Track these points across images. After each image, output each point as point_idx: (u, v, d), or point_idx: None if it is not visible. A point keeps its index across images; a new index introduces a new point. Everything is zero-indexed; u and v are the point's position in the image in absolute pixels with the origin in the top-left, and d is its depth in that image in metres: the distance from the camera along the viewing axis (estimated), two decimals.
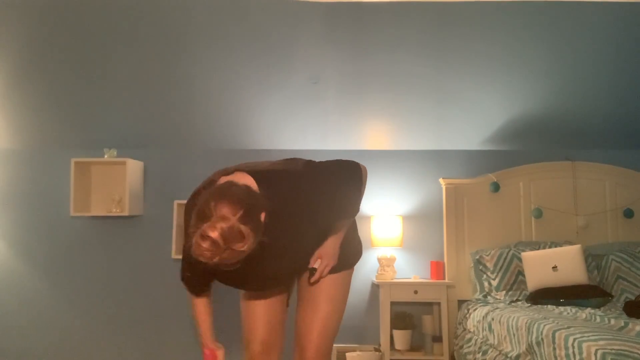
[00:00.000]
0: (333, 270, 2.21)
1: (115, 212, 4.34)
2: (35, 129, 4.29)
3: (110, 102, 3.99)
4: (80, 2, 3.07)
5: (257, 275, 2.04)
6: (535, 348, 2.87)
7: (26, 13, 3.13)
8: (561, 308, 3.51)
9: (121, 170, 4.38)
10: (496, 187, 4.38)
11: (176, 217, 4.27)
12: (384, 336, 4.17)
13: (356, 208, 2.12)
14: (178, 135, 4.31)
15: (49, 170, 4.52)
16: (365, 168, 2.14)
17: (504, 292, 4.05)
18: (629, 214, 4.36)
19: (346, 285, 2.30)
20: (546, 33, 3.33)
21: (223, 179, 1.90)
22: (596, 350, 2.35)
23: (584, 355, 2.41)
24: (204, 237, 1.64)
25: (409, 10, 3.11)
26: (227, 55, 3.47)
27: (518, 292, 4.02)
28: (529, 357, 2.97)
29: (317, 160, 2.14)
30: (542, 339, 2.82)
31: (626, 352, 2.30)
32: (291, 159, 2.13)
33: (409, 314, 4.28)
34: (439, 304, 4.31)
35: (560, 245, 4.13)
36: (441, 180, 4.44)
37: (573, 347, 2.51)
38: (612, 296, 3.73)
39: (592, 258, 4.10)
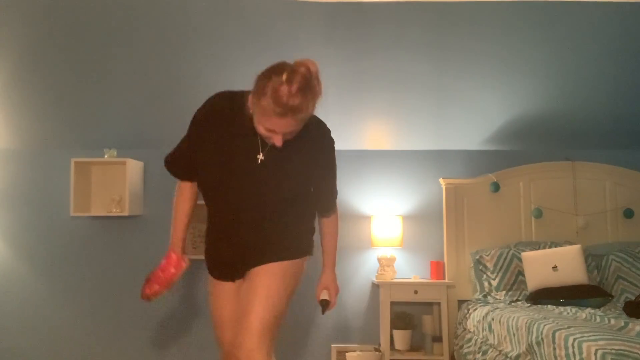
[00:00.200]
0: (272, 260, 2.13)
1: (115, 212, 4.34)
2: (35, 129, 4.29)
3: (110, 102, 3.99)
4: (80, 2, 3.07)
5: (239, 193, 2.07)
6: (535, 348, 2.87)
7: (26, 13, 3.13)
8: (561, 308, 3.51)
9: (121, 170, 4.38)
10: (496, 187, 4.38)
11: None
12: (384, 336, 4.17)
13: (335, 207, 2.32)
14: (178, 136, 4.30)
15: (49, 170, 4.51)
16: None
17: (504, 292, 4.05)
18: (629, 214, 4.36)
19: (292, 274, 2.17)
20: (546, 33, 3.33)
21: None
22: (596, 350, 2.35)
23: (584, 355, 2.41)
24: (296, 71, 1.83)
25: (409, 10, 3.11)
26: (228, 55, 3.47)
27: (518, 292, 4.02)
28: (529, 357, 2.97)
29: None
30: (542, 339, 2.82)
31: (626, 352, 2.30)
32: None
33: (409, 314, 4.28)
34: (439, 304, 4.31)
35: (560, 245, 4.13)
36: (441, 180, 4.44)
37: (573, 347, 2.51)
38: (612, 296, 3.73)
39: (592, 258, 4.10)
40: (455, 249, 4.38)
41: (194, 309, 4.39)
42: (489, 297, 4.09)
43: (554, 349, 2.67)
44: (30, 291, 4.44)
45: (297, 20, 3.16)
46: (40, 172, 4.52)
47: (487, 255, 4.19)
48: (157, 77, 3.72)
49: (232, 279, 2.24)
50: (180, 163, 2.23)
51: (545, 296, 3.78)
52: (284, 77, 1.83)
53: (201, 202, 2.29)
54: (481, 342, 3.70)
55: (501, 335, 3.38)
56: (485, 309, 3.76)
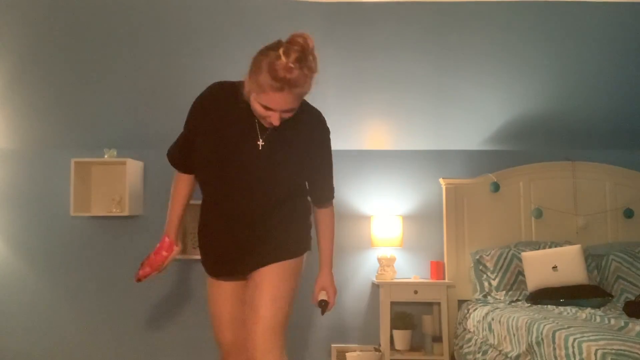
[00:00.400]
0: (275, 260, 2.13)
1: (115, 212, 4.33)
2: (35, 129, 4.29)
3: (110, 102, 3.99)
4: (80, 2, 3.07)
5: (237, 185, 2.07)
6: (535, 348, 2.88)
7: (27, 13, 3.13)
8: (561, 308, 3.51)
9: (121, 170, 4.38)
10: (496, 187, 4.38)
11: None
12: (384, 336, 4.17)
13: (331, 197, 2.30)
14: (178, 135, 4.30)
15: (49, 170, 4.51)
16: None
17: (504, 292, 4.05)
18: (629, 214, 4.36)
19: (294, 273, 2.18)
20: (546, 33, 3.33)
21: None
22: (596, 350, 2.36)
23: (584, 355, 2.41)
24: (294, 41, 1.84)
25: (409, 9, 3.11)
26: (227, 55, 3.47)
27: (518, 292, 4.02)
28: (529, 357, 2.97)
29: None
30: (542, 339, 2.82)
31: (626, 352, 2.30)
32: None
33: (409, 314, 4.28)
34: (439, 304, 4.31)
35: (560, 245, 4.13)
36: (441, 180, 4.44)
37: (573, 347, 2.51)
38: (612, 296, 3.73)
39: (592, 258, 4.10)
40: (455, 249, 4.38)
41: (195, 310, 4.39)
42: (489, 297, 4.09)
43: (554, 349, 2.67)
44: (30, 291, 4.44)
45: (297, 20, 3.15)
46: (40, 172, 4.52)
47: (487, 255, 4.19)
48: (157, 77, 3.72)
49: (231, 274, 2.22)
50: (180, 154, 2.23)
51: (545, 296, 3.78)
52: (281, 50, 1.84)
53: (194, 202, 2.28)
54: (481, 342, 3.70)
55: (501, 335, 3.38)
56: (485, 309, 3.76)
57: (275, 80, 1.84)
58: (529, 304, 3.79)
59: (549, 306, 3.63)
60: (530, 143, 4.52)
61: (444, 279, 4.33)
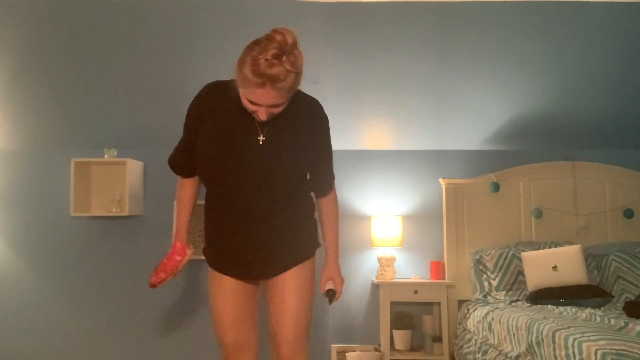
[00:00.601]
0: (294, 263, 2.18)
1: (115, 212, 4.33)
2: (35, 129, 4.29)
3: (110, 102, 3.99)
4: (81, 2, 3.07)
5: (243, 179, 2.07)
6: (535, 348, 2.88)
7: (27, 14, 3.14)
8: (561, 308, 3.51)
9: (121, 170, 4.38)
10: (496, 187, 4.38)
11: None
12: (384, 336, 4.17)
13: (333, 186, 2.30)
14: (178, 136, 4.30)
15: (49, 170, 4.51)
16: None
17: (504, 292, 4.05)
18: (629, 214, 4.36)
19: (310, 275, 2.23)
20: (546, 33, 3.34)
21: None
22: (596, 350, 2.35)
23: (584, 355, 2.41)
24: (272, 38, 1.84)
25: (408, 10, 3.11)
26: (227, 55, 3.46)
27: (518, 292, 4.02)
28: (529, 357, 2.97)
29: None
30: (542, 339, 2.82)
31: (626, 352, 2.30)
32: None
33: (409, 314, 4.28)
34: (439, 304, 4.31)
35: (560, 245, 4.13)
36: (441, 180, 4.44)
37: (573, 347, 2.51)
38: (612, 296, 3.73)
39: (592, 258, 4.09)
40: (455, 249, 4.38)
41: (195, 310, 4.39)
42: (489, 297, 4.09)
43: (554, 349, 2.67)
44: (30, 291, 4.44)
45: (297, 20, 3.15)
46: (40, 172, 4.52)
47: (487, 255, 4.19)
48: (157, 77, 3.72)
49: (243, 278, 2.22)
50: (182, 159, 2.23)
51: (545, 296, 3.78)
52: (261, 46, 1.84)
53: (200, 202, 2.28)
54: (481, 342, 3.70)
55: (501, 335, 3.38)
56: (485, 309, 3.76)
57: (256, 75, 1.84)
58: (529, 304, 3.79)
59: (549, 306, 3.63)
60: (530, 143, 4.52)
61: (444, 279, 4.33)
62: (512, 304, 3.88)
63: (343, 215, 4.43)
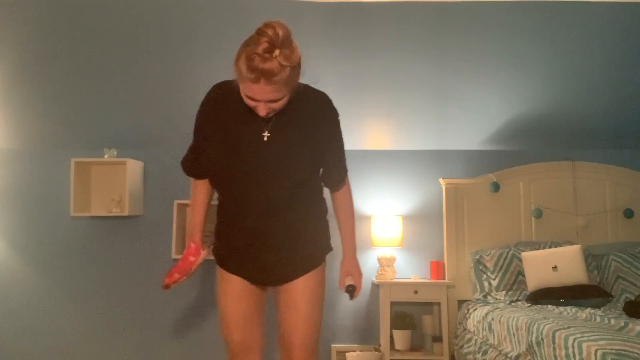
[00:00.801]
0: (305, 270, 2.18)
1: (115, 212, 4.34)
2: (35, 129, 4.29)
3: (110, 102, 3.99)
4: (81, 2, 3.07)
5: (253, 176, 2.06)
6: (535, 348, 2.88)
7: (27, 13, 3.13)
8: (561, 308, 3.51)
9: (121, 170, 4.38)
10: (496, 187, 4.38)
11: (176, 217, 4.26)
12: (384, 336, 4.17)
13: (345, 179, 2.28)
14: (178, 135, 4.30)
15: (49, 170, 4.51)
16: None
17: (504, 292, 4.05)
18: (629, 214, 4.36)
19: (322, 280, 2.24)
20: (546, 33, 3.33)
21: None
22: (596, 350, 2.35)
23: (584, 355, 2.41)
24: (263, 32, 1.81)
25: (409, 10, 3.11)
26: (227, 55, 3.46)
27: (518, 292, 4.02)
28: (529, 357, 2.97)
29: None
30: (542, 339, 2.82)
31: (626, 352, 2.30)
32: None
33: (409, 314, 4.28)
34: (439, 304, 4.31)
35: (560, 245, 4.13)
36: (441, 180, 4.44)
37: (573, 347, 2.51)
38: (612, 296, 3.73)
39: (592, 258, 4.10)
40: (455, 249, 4.38)
41: (195, 310, 4.39)
42: (489, 297, 4.09)
43: (554, 349, 2.67)
44: (30, 291, 4.44)
45: (297, 20, 3.15)
46: (40, 172, 4.52)
47: (487, 255, 4.19)
48: (157, 77, 3.72)
49: (254, 282, 2.21)
50: (194, 161, 2.23)
51: (545, 296, 3.78)
52: (253, 41, 1.83)
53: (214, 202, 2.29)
54: (481, 342, 3.70)
55: (501, 335, 3.38)
56: (485, 309, 3.76)
57: (250, 71, 1.83)
58: (529, 304, 3.79)
59: (549, 306, 3.63)
60: (530, 143, 4.52)
61: (444, 279, 4.33)
62: (512, 304, 3.88)
63: None
